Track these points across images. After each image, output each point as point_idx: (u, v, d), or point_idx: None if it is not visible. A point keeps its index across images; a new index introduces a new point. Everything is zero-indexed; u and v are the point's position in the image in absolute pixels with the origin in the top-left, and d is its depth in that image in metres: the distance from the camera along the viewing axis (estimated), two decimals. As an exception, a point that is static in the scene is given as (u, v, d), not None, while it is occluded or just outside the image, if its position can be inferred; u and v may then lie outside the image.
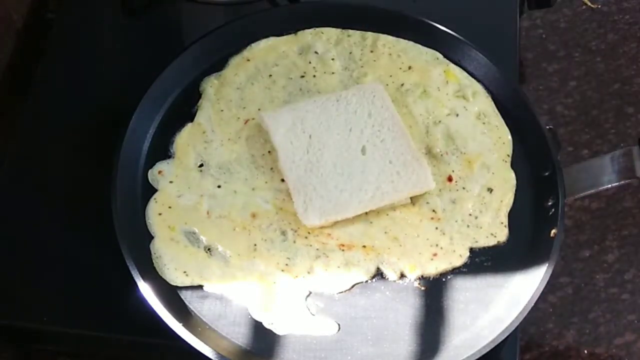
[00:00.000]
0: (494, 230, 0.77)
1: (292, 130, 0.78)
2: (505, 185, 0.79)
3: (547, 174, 0.79)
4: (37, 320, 0.75)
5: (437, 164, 0.79)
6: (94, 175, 0.78)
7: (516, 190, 0.79)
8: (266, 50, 0.86)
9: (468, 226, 0.77)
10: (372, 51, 0.86)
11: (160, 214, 0.76)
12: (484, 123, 0.82)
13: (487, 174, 0.79)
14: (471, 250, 0.76)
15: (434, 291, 0.74)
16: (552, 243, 0.75)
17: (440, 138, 0.81)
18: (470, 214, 0.77)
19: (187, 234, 0.75)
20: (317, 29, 0.87)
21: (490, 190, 0.78)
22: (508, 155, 0.81)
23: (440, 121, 0.82)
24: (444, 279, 0.75)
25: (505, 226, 0.77)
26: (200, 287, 0.73)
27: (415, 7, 0.91)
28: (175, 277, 0.73)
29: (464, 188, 0.78)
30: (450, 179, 0.79)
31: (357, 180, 0.76)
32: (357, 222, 0.76)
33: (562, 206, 0.76)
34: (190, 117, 0.81)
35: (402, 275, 0.75)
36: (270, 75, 0.84)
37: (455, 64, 0.86)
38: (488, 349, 0.69)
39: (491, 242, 0.76)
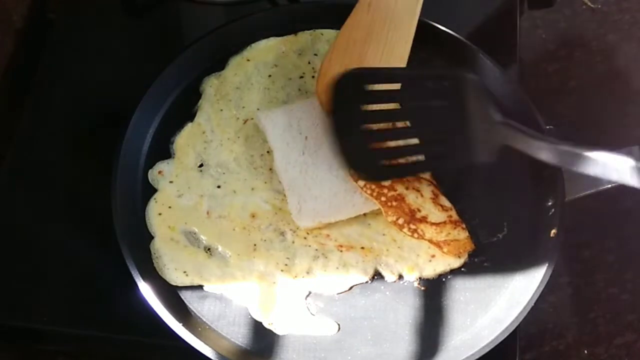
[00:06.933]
0: None
1: (288, 131, 0.78)
2: None
3: (547, 174, 0.79)
4: (37, 320, 0.75)
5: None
6: (94, 175, 0.78)
7: (516, 190, 0.79)
8: (266, 51, 0.86)
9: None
10: (371, 52, 0.86)
11: (160, 214, 0.76)
12: None
13: None
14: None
15: (433, 291, 0.74)
16: (552, 243, 0.75)
17: None
18: None
19: (187, 234, 0.75)
20: (317, 30, 0.87)
21: None
22: None
23: None
24: (443, 279, 0.75)
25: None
26: (200, 287, 0.73)
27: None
28: (175, 277, 0.73)
29: None
30: None
31: (352, 183, 0.76)
32: (355, 223, 0.76)
33: (562, 206, 0.76)
34: (190, 117, 0.81)
35: (401, 277, 0.75)
36: (270, 76, 0.84)
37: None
38: (488, 349, 0.69)
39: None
